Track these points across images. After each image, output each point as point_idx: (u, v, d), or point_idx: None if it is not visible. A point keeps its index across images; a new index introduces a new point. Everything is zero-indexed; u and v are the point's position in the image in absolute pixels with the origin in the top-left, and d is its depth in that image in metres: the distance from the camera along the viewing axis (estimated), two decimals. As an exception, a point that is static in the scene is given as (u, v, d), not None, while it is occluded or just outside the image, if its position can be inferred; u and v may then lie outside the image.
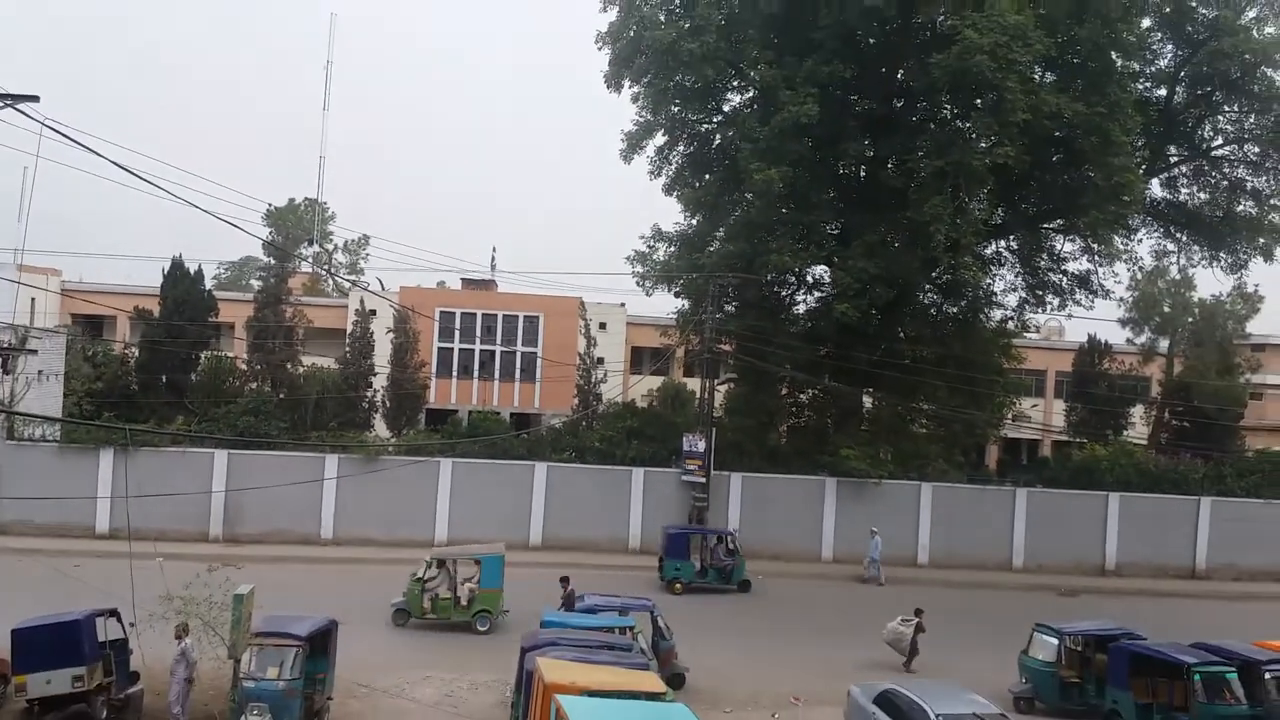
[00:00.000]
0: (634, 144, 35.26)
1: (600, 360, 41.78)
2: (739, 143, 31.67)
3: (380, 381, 36.87)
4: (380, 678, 18.08)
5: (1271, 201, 34.52)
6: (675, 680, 17.80)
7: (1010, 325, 36.68)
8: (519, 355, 47.02)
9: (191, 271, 37.18)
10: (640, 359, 49.78)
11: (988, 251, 34.90)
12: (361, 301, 39.38)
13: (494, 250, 61.04)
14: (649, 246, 36.17)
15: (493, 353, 47.03)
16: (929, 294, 35.38)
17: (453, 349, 46.55)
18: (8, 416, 28.46)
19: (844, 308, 30.23)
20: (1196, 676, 16.77)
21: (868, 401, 36.00)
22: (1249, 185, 35.17)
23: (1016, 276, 36.66)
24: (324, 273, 59.05)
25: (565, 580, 21.73)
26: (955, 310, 35.42)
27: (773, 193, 29.97)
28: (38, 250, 41.94)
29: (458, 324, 46.43)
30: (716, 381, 35.25)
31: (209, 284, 39.31)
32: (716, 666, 19.78)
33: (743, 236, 32.22)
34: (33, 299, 40.45)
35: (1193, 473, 36.09)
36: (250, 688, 14.86)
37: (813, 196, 32.29)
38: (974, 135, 29.83)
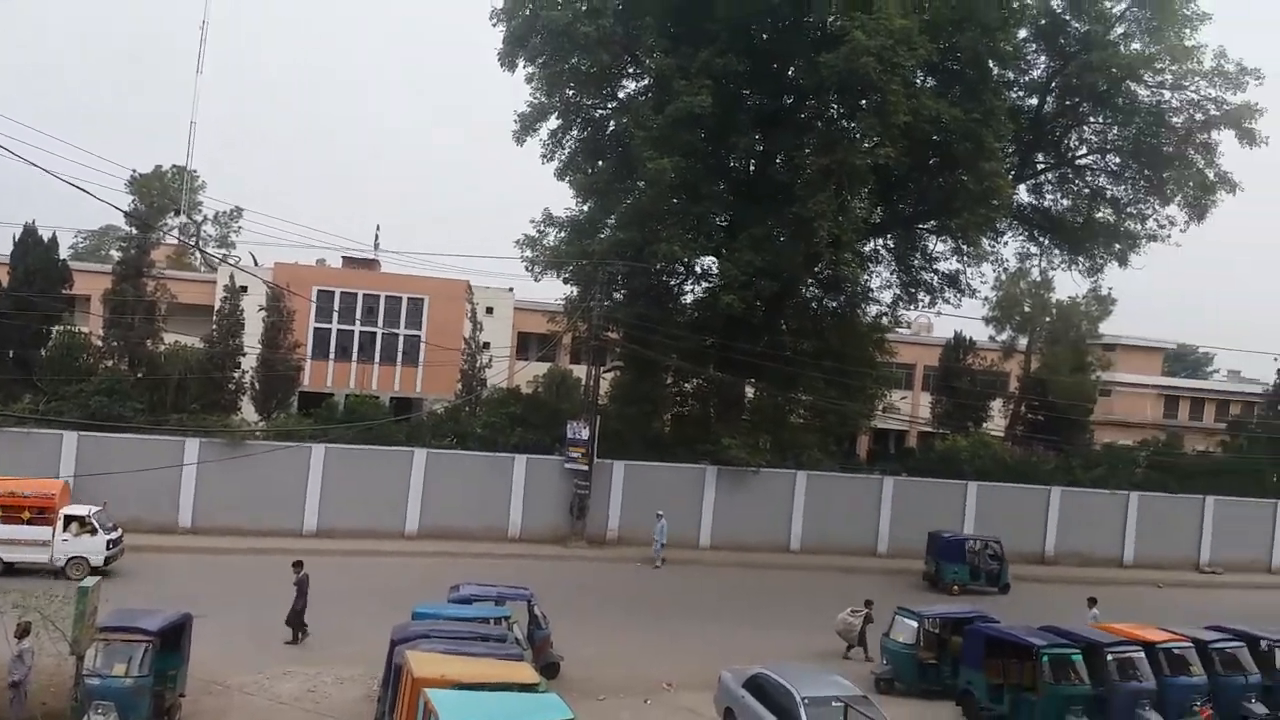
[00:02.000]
0: (527, 126, 34.92)
1: (486, 345, 41.00)
2: (633, 130, 31.60)
3: (250, 362, 35.17)
4: (238, 674, 17.26)
5: (1128, 210, 36.66)
6: (549, 670, 17.66)
7: (884, 320, 37.95)
8: (401, 338, 45.74)
9: (45, 240, 34.47)
10: (527, 345, 49.26)
11: (866, 249, 35.98)
12: (231, 277, 37.37)
13: (378, 229, 59.30)
14: (539, 231, 35.73)
15: (373, 335, 45.60)
16: (811, 288, 36.25)
17: (330, 330, 44.89)
18: None
19: (730, 299, 30.64)
20: (1044, 658, 17.73)
21: (749, 392, 36.66)
22: (1109, 194, 37.27)
23: (892, 274, 38.06)
24: (191, 245, 55.88)
25: (298, 565, 20.24)
26: (835, 305, 36.43)
27: (664, 182, 30.06)
28: None
29: (337, 304, 44.76)
30: (602, 369, 35.21)
31: (64, 254, 36.51)
32: (592, 655, 19.76)
33: (634, 225, 32.21)
34: None
35: (1044, 464, 38.40)
36: (95, 686, 13.94)
37: (703, 188, 32.54)
38: (858, 135, 30.65)
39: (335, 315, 44.54)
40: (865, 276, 35.21)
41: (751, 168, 35.20)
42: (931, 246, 37.48)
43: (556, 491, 32.21)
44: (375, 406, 35.82)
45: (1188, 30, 32.73)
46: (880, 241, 37.48)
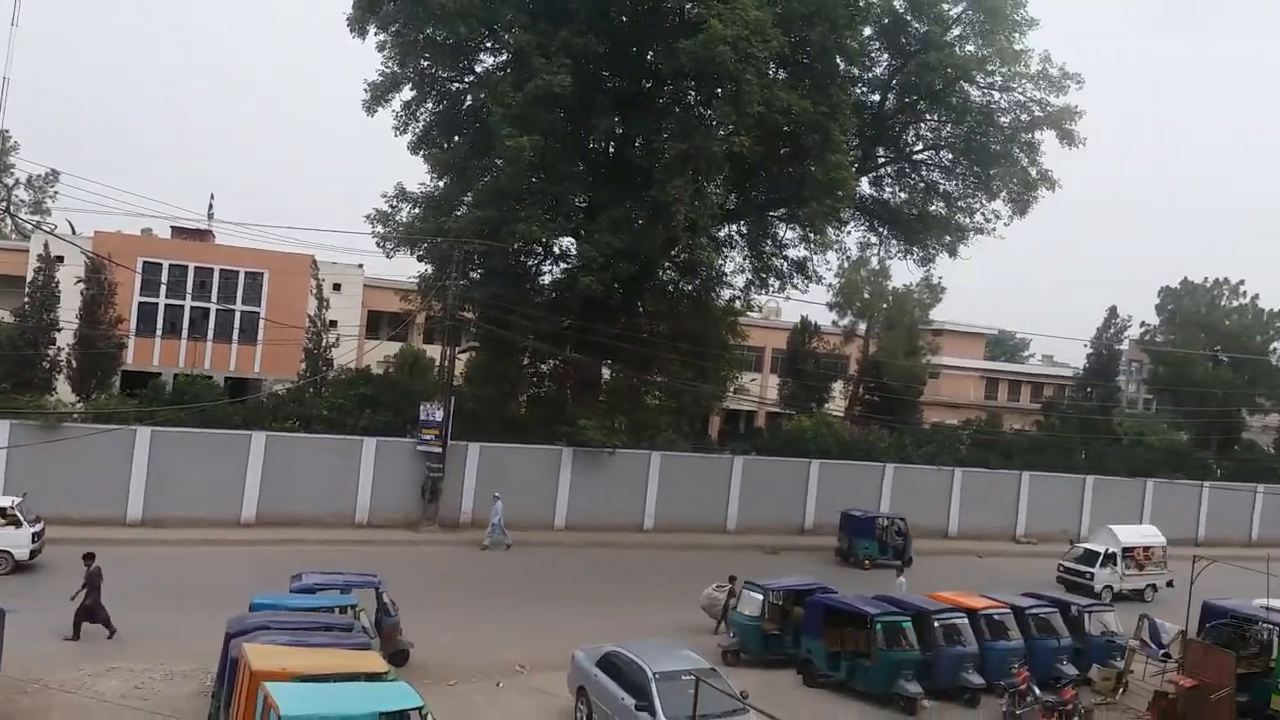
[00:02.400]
0: (378, 96, 33.76)
1: (333, 323, 39.29)
2: (491, 106, 30.93)
3: (67, 338, 32.38)
4: (58, 671, 15.98)
5: (959, 204, 38.90)
6: (398, 657, 17.30)
7: (737, 304, 38.93)
8: (238, 314, 43.26)
9: None
10: (378, 323, 47.67)
11: (721, 234, 36.72)
12: (46, 246, 34.22)
13: (212, 198, 56.03)
14: (391, 206, 34.54)
15: (207, 310, 42.90)
16: (668, 271, 36.70)
17: (157, 304, 41.91)
18: None
19: (589, 280, 30.62)
20: (878, 626, 18.84)
21: (606, 373, 36.88)
22: (941, 188, 39.32)
23: (744, 259, 38.91)
24: (0, 210, 50.76)
25: (89, 557, 18.64)
26: (691, 288, 37.04)
27: (523, 161, 29.63)
28: None
29: (165, 277, 41.81)
30: (458, 349, 34.52)
31: None
32: (444, 640, 19.46)
33: (491, 203, 31.62)
34: None
35: (880, 442, 40.65)
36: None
37: (563, 168, 32.31)
38: (714, 122, 31.12)
39: (163, 289, 41.62)
40: (720, 261, 35.95)
41: (611, 150, 35.22)
42: (781, 234, 38.62)
43: (408, 475, 31.40)
44: (208, 387, 33.78)
45: (1017, 35, 34.83)
46: (734, 227, 38.32)
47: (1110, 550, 30.66)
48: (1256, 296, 56.03)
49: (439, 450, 31.20)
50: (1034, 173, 36.40)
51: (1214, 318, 55.91)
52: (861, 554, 32.37)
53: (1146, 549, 31.40)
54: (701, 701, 13.46)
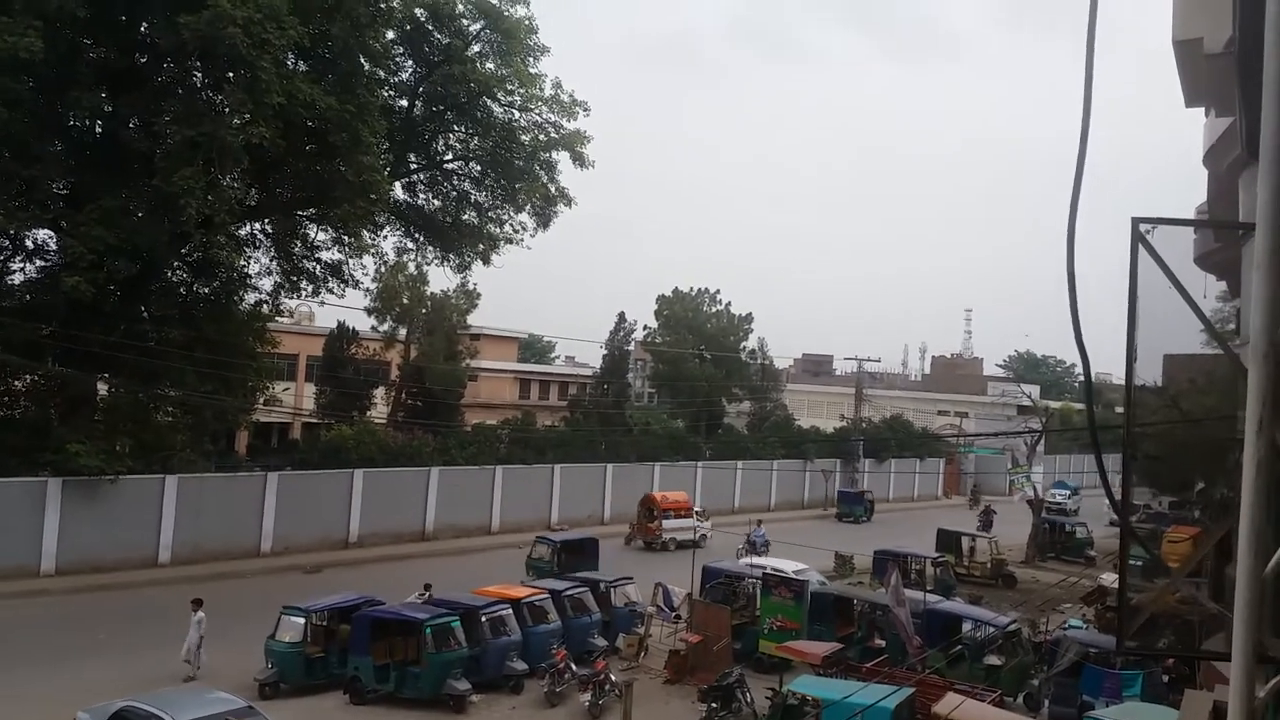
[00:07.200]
0: None
1: None
2: (-64, 67, 24.69)
3: None
4: None
5: (489, 214, 40.47)
6: None
7: (265, 309, 36.14)
8: None
9: None
10: None
11: (242, 233, 33.76)
12: None
13: None
14: None
15: None
16: (179, 272, 32.80)
17: None
18: None
19: (75, 281, 26.00)
20: (428, 630, 18.87)
21: (103, 389, 31.79)
22: (473, 198, 40.57)
23: (271, 261, 36.19)
24: None
25: None
26: (207, 291, 33.44)
27: (-20, 136, 24.21)
28: None
29: None
30: (-119, 367, 27.11)
31: None
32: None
33: (-62, 184, 25.34)
34: None
35: (424, 447, 40.84)
36: None
37: (35, 147, 27.10)
38: (227, 110, 28.43)
39: None
40: (242, 262, 32.96)
41: (99, 130, 30.37)
42: (313, 235, 36.61)
43: None
44: None
45: (531, 59, 37.33)
46: (257, 225, 35.48)
47: None
48: (729, 304, 67.41)
49: None
50: (553, 189, 39.29)
51: (698, 321, 65.80)
52: (856, 515, 51.31)
53: None
54: (237, 745, 12.25)
